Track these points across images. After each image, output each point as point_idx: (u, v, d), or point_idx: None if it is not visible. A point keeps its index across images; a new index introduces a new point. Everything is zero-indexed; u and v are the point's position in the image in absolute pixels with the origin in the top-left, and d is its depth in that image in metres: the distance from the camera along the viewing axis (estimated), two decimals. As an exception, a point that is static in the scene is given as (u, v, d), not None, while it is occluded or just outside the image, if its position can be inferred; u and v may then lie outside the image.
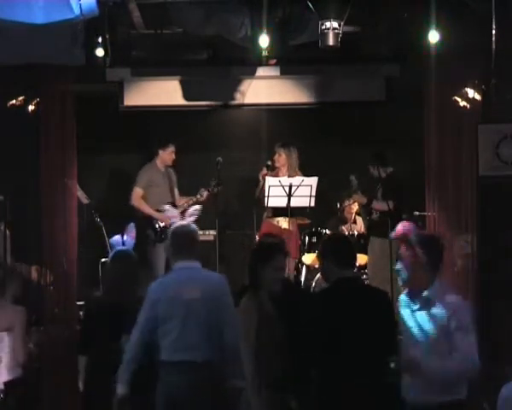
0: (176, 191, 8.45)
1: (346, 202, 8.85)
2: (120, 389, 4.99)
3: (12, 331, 5.42)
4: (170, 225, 7.98)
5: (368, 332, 4.48)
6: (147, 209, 8.31)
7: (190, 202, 8.16)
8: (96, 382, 5.47)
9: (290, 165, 8.26)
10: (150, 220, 8.29)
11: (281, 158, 8.25)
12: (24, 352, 5.47)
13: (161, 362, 4.97)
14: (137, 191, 8.36)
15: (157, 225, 8.27)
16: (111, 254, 5.85)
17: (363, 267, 8.23)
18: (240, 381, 4.87)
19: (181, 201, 8.39)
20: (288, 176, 8.14)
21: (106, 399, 5.39)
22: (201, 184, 8.74)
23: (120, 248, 6.22)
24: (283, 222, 8.12)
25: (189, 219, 5.26)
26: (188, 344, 4.90)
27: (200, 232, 8.73)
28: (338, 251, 4.69)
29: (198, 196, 8.25)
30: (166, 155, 8.32)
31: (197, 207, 5.39)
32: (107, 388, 5.35)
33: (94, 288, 8.40)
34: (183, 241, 5.11)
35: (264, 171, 8.24)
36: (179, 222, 5.26)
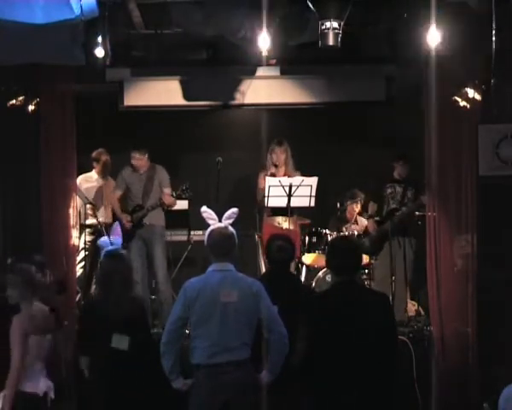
0: (166, 192, 8.24)
1: (349, 202, 8.84)
2: (175, 385, 5.04)
3: (53, 333, 5.42)
4: (129, 227, 8.08)
5: (366, 335, 4.47)
6: (116, 209, 8.34)
7: (150, 208, 8.13)
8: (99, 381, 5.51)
9: (288, 163, 8.25)
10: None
11: (281, 156, 8.23)
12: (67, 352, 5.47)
13: (198, 365, 5.00)
14: (115, 193, 8.37)
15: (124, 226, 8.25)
16: (102, 255, 5.90)
17: (364, 267, 8.21)
18: (271, 376, 5.02)
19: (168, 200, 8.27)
20: (287, 175, 8.13)
21: (107, 397, 5.44)
22: (201, 184, 8.75)
23: (110, 248, 6.22)
24: (284, 222, 8.10)
25: (226, 222, 5.27)
26: (228, 346, 4.94)
27: (200, 232, 8.89)
28: (338, 257, 4.68)
29: (161, 200, 8.15)
30: (133, 161, 8.28)
31: (234, 210, 5.35)
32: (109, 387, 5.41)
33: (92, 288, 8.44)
34: (218, 243, 5.16)
35: (262, 177, 8.19)
36: (217, 224, 5.26)
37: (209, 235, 5.23)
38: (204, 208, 5.34)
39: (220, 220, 5.27)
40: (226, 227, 5.23)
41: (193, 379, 5.02)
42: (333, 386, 4.48)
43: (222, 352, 4.94)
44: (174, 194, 8.17)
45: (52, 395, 5.34)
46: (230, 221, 5.27)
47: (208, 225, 5.28)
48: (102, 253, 5.95)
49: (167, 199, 8.15)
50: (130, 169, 8.31)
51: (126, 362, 5.44)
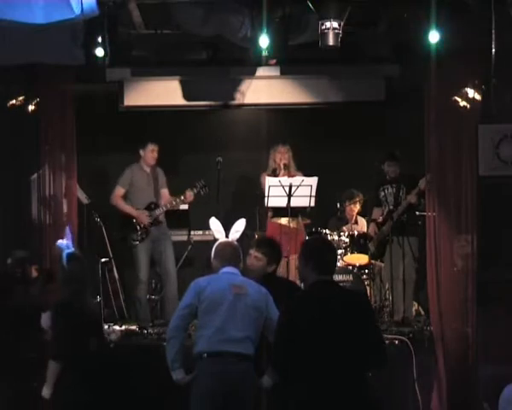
0: (164, 192, 8.30)
1: (347, 203, 8.83)
2: (176, 375, 4.98)
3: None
4: (148, 224, 8.05)
5: (344, 335, 4.42)
6: (126, 208, 8.16)
7: (173, 203, 8.13)
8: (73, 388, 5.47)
9: (290, 163, 8.28)
10: (130, 220, 8.14)
11: (285, 156, 8.25)
12: None
13: (201, 353, 4.96)
14: (118, 190, 8.20)
15: (137, 226, 8.10)
16: (65, 258, 5.87)
17: (364, 267, 8.22)
18: (272, 382, 4.95)
19: (166, 200, 8.22)
20: (290, 175, 8.14)
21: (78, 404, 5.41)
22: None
23: (71, 251, 6.18)
24: (291, 222, 8.08)
25: (234, 235, 5.49)
26: (232, 336, 4.94)
27: (200, 232, 8.89)
28: (318, 257, 4.65)
29: (182, 198, 8.14)
30: (147, 154, 8.16)
31: (243, 221, 5.56)
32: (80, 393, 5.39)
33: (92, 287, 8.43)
34: (226, 252, 5.30)
35: (265, 177, 8.19)
36: (223, 239, 5.45)
37: (216, 247, 5.37)
38: (213, 220, 5.45)
39: (222, 222, 5.38)
40: (231, 243, 5.42)
41: (194, 372, 4.96)
42: (311, 385, 4.41)
43: (225, 341, 4.92)
44: (194, 191, 8.13)
45: None
46: (238, 235, 5.51)
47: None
48: (64, 255, 5.90)
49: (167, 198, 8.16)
50: (139, 166, 8.26)
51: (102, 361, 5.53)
